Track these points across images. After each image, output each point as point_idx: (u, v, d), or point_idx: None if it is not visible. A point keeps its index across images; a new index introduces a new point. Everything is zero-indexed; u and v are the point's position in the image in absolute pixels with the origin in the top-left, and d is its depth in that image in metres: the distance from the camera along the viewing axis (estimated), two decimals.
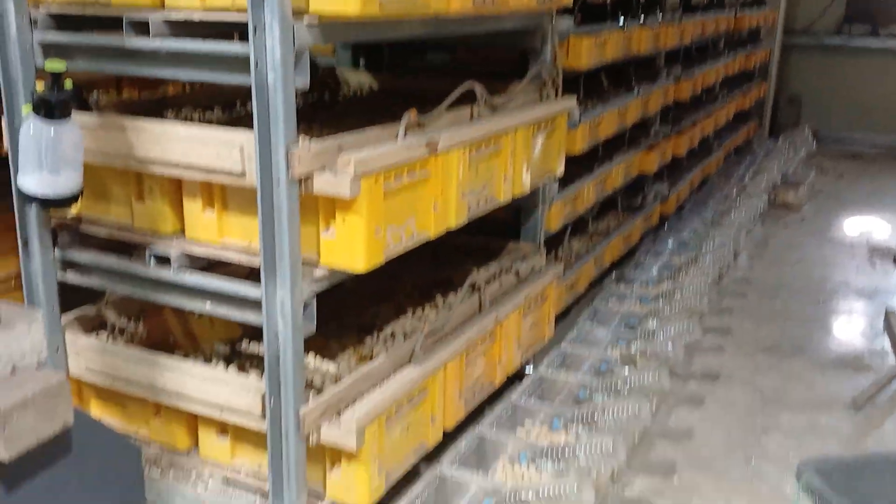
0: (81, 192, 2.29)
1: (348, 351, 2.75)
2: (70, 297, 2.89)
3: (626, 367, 3.30)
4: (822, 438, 3.31)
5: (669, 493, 2.92)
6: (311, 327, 2.21)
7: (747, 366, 3.94)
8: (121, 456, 1.28)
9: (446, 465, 2.62)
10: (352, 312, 3.07)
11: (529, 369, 3.47)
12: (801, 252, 5.67)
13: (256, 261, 2.15)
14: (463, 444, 2.75)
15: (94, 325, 2.80)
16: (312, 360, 2.61)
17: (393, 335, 2.84)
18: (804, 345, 4.20)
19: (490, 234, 3.61)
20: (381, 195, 2.20)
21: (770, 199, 6.43)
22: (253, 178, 2.09)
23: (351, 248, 2.17)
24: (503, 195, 2.90)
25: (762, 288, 4.99)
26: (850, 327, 4.48)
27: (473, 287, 3.06)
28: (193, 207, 2.36)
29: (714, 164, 6.71)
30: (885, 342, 4.24)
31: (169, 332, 2.93)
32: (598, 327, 3.84)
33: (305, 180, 2.10)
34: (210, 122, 2.87)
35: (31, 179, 2.19)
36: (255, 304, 2.18)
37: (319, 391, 2.38)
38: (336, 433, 2.24)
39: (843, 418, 3.47)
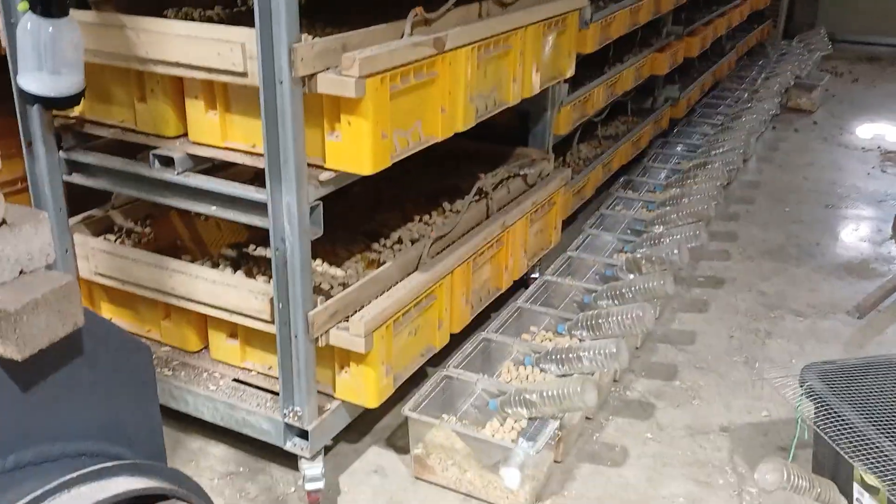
0: (83, 93, 2.26)
1: (356, 257, 2.75)
2: (77, 204, 2.90)
3: (632, 272, 3.30)
4: (824, 343, 3.34)
5: (670, 394, 2.97)
6: (318, 231, 2.21)
7: (752, 271, 3.95)
8: (132, 356, 1.29)
9: (452, 368, 2.65)
10: (359, 219, 3.06)
11: (536, 274, 3.49)
12: (811, 157, 5.61)
13: (261, 163, 2.13)
14: (469, 346, 2.78)
15: (101, 229, 2.80)
16: (320, 265, 2.63)
17: (400, 241, 2.84)
18: (811, 250, 4.20)
19: (497, 140, 3.56)
20: (387, 96, 2.15)
21: (782, 103, 6.32)
22: (255, 78, 2.05)
23: (357, 150, 2.14)
24: (512, 97, 2.84)
25: (771, 193, 4.96)
26: (857, 233, 4.46)
27: (481, 193, 3.04)
28: (196, 108, 2.31)
29: (726, 67, 6.56)
30: (893, 248, 4.24)
31: (176, 236, 2.94)
32: (604, 233, 3.83)
33: (309, 80, 2.05)
34: (211, 19, 2.80)
35: (31, 79, 2.16)
36: (262, 208, 2.17)
37: (329, 295, 2.39)
38: (345, 336, 2.27)
39: (847, 324, 3.49)
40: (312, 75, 2.05)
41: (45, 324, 1.03)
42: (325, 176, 2.19)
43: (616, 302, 3.08)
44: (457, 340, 2.85)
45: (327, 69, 2.07)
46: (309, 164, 2.17)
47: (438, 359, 2.78)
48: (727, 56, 6.54)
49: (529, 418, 2.46)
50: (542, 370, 2.74)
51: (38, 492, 1.01)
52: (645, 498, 2.45)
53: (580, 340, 2.90)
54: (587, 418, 2.79)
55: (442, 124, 2.45)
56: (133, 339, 1.29)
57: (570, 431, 2.60)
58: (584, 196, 4.12)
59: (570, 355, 2.68)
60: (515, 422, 2.48)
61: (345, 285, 2.47)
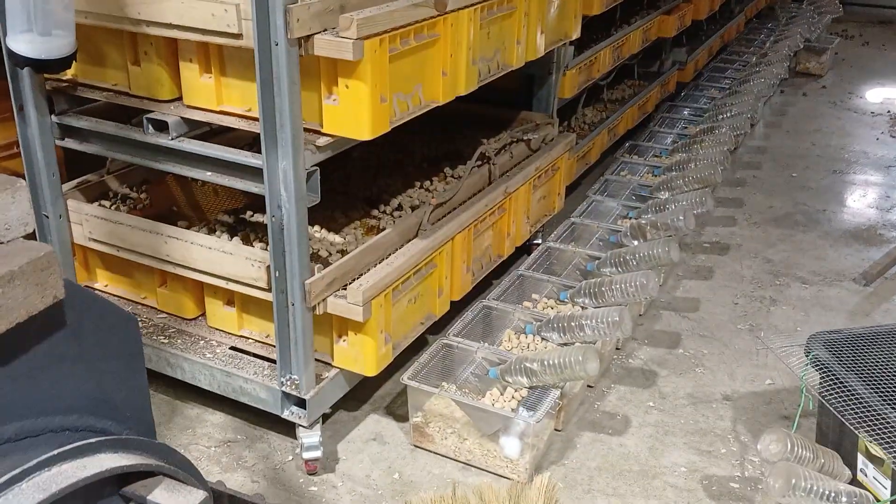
0: (75, 55, 2.20)
1: (355, 223, 2.71)
2: (75, 168, 2.86)
3: (636, 239, 3.25)
4: (830, 311, 3.30)
5: (673, 362, 2.94)
6: (315, 197, 2.16)
7: (758, 237, 3.90)
8: (119, 327, 1.25)
9: (452, 336, 2.62)
10: (360, 184, 3.02)
11: (539, 241, 3.45)
12: (819, 122, 5.53)
13: (257, 127, 2.08)
14: (470, 314, 2.75)
15: (97, 194, 2.76)
16: (319, 232, 2.58)
17: (401, 207, 2.80)
18: (817, 217, 4.14)
19: (502, 103, 3.50)
20: (386, 59, 2.09)
21: (791, 67, 6.21)
22: (250, 40, 1.99)
23: (355, 115, 2.08)
24: (516, 59, 2.78)
25: (777, 158, 4.89)
26: (865, 199, 4.40)
27: (483, 158, 2.99)
28: (190, 71, 2.26)
29: (734, 30, 6.45)
30: None
31: (172, 202, 2.90)
32: (608, 199, 3.78)
33: (306, 42, 1.99)
34: None
35: (21, 41, 2.10)
36: (257, 173, 2.12)
37: (327, 263, 2.36)
38: (343, 304, 2.23)
39: (853, 291, 3.45)
40: (309, 37, 1.99)
41: (22, 296, 0.99)
42: (322, 141, 2.15)
43: (620, 269, 3.04)
44: (457, 308, 2.82)
45: (325, 30, 2.01)
46: (306, 129, 2.12)
47: (439, 326, 2.75)
48: (736, 18, 6.43)
49: (530, 387, 2.44)
50: (543, 338, 2.71)
51: (17, 470, 0.98)
52: (646, 467, 2.43)
53: (583, 308, 2.87)
54: (589, 386, 2.76)
55: (443, 88, 2.40)
56: (119, 310, 1.25)
57: (571, 400, 2.57)
58: (588, 161, 4.06)
59: (572, 323, 2.64)
60: (516, 391, 2.45)
61: (343, 252, 2.43)
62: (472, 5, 2.40)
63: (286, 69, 1.97)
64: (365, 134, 2.11)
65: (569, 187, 3.77)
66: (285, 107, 2.01)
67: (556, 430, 2.55)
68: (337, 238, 2.58)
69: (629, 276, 2.82)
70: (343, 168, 3.09)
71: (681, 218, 3.20)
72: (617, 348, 2.98)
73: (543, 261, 3.20)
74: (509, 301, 2.90)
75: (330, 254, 2.46)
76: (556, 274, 3.16)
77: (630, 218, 3.57)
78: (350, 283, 2.28)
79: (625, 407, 2.70)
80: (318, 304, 2.22)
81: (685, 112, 4.99)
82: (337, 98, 2.09)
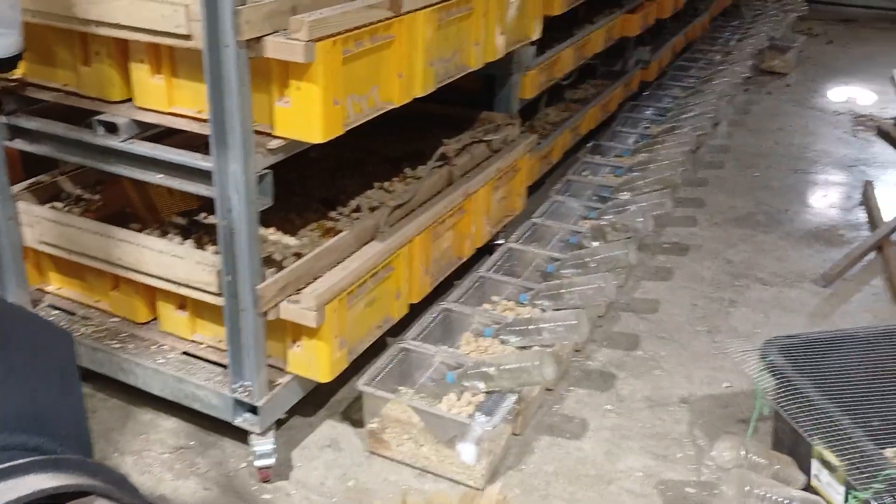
0: (22, 55, 2.14)
1: (312, 225, 2.68)
2: (32, 167, 2.79)
3: (596, 240, 3.25)
4: (789, 313, 3.32)
5: (631, 364, 2.95)
6: (267, 201, 2.13)
7: (719, 238, 3.92)
8: (51, 343, 1.22)
9: (410, 339, 2.60)
10: (317, 185, 2.98)
11: (501, 241, 3.43)
12: (783, 120, 5.57)
13: (208, 129, 2.04)
14: (428, 317, 2.73)
15: (49, 196, 2.70)
16: (273, 234, 2.55)
17: (359, 209, 2.77)
18: (779, 217, 4.17)
19: (464, 103, 3.48)
20: (339, 61, 2.06)
21: (756, 65, 6.25)
22: (199, 41, 1.95)
23: (307, 117, 2.05)
24: (474, 61, 2.76)
25: (740, 157, 4.91)
26: (827, 199, 4.44)
27: (443, 159, 2.97)
28: (141, 72, 2.22)
29: (699, 28, 6.47)
30: (862, 215, 4.23)
31: (127, 203, 2.84)
32: (570, 199, 3.77)
33: (256, 44, 1.96)
34: None
35: None
36: (208, 176, 2.09)
37: (281, 266, 2.33)
38: (295, 310, 2.20)
39: (812, 293, 3.48)
40: (259, 38, 1.96)
41: None
42: (274, 144, 2.11)
43: (579, 271, 3.04)
44: (417, 310, 2.80)
45: (275, 32, 1.98)
46: (258, 132, 2.09)
47: (398, 328, 2.73)
48: (701, 16, 6.45)
49: (487, 392, 2.42)
50: (502, 342, 2.70)
51: None
52: (602, 472, 2.43)
53: (542, 311, 2.86)
54: (547, 389, 2.75)
55: (399, 89, 2.37)
56: (53, 327, 1.22)
57: (529, 404, 2.57)
58: (551, 161, 4.05)
59: (530, 327, 2.64)
60: (473, 395, 2.44)
61: (299, 255, 2.40)
62: (429, 6, 2.38)
63: (235, 71, 1.94)
64: (317, 137, 2.08)
65: (531, 187, 3.76)
66: (235, 109, 1.97)
67: (513, 434, 2.54)
68: (292, 240, 2.54)
69: (587, 279, 2.82)
70: (300, 168, 3.05)
71: (640, 220, 3.21)
72: (576, 350, 2.98)
73: (504, 262, 3.19)
74: (469, 303, 2.88)
75: (285, 257, 2.42)
76: (516, 275, 3.15)
77: (591, 219, 3.57)
78: (304, 288, 2.25)
79: (583, 410, 2.70)
80: (271, 309, 2.19)
81: (648, 111, 5.00)
82: (289, 100, 2.06)
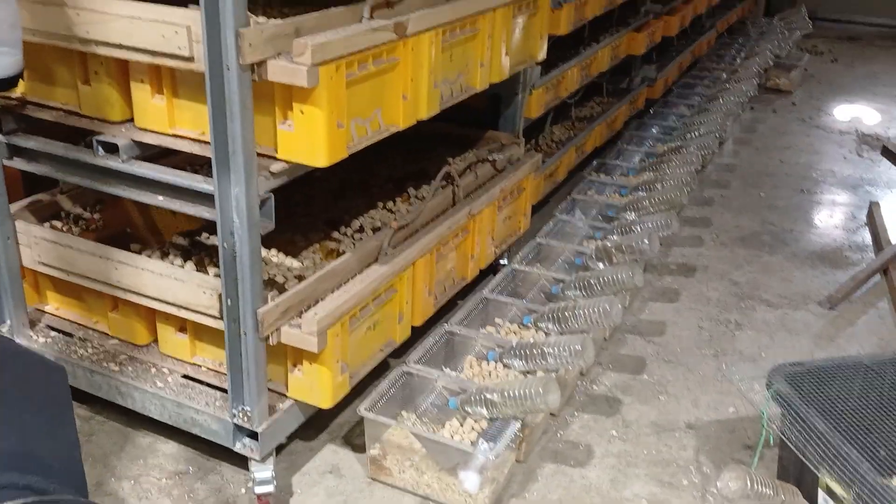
0: (22, 74, 2.12)
1: (315, 247, 2.65)
2: (34, 185, 2.77)
3: (602, 261, 3.22)
4: (795, 335, 3.29)
5: (637, 389, 2.91)
6: (270, 224, 2.10)
7: (725, 258, 3.89)
8: (44, 378, 1.19)
9: (413, 363, 2.57)
10: (320, 205, 2.96)
11: (505, 261, 3.40)
12: (788, 139, 5.55)
13: (209, 151, 2.01)
14: (431, 340, 2.69)
15: (49, 214, 2.68)
16: (276, 256, 2.52)
17: (362, 229, 2.74)
18: (784, 237, 4.14)
19: (469, 122, 3.45)
20: (342, 84, 2.04)
21: (761, 83, 6.24)
22: (201, 63, 1.93)
23: (311, 141, 2.03)
24: (479, 82, 2.74)
25: (746, 176, 4.89)
26: (832, 220, 4.41)
27: (447, 179, 2.94)
28: (142, 93, 2.19)
29: (705, 45, 6.46)
30: (867, 236, 4.20)
31: (127, 222, 2.82)
32: (575, 219, 3.74)
33: (259, 67, 1.93)
34: None
35: None
36: (210, 199, 2.06)
37: (283, 289, 2.30)
38: (297, 334, 2.17)
39: (818, 315, 3.44)
40: (262, 62, 1.93)
41: None
42: (276, 167, 2.08)
43: (584, 293, 3.00)
44: (420, 331, 2.77)
45: (278, 55, 1.95)
46: (260, 154, 2.06)
47: (402, 347, 2.69)
48: (707, 34, 6.44)
49: (490, 418, 2.39)
50: (505, 366, 2.67)
51: None
52: (607, 500, 2.39)
53: (546, 334, 2.83)
54: (552, 415, 2.72)
55: (404, 112, 2.35)
56: (45, 361, 1.19)
57: (533, 430, 2.53)
58: (556, 179, 4.03)
59: (535, 351, 2.60)
60: (476, 422, 2.40)
61: (301, 278, 2.37)
62: (434, 28, 2.36)
63: (238, 94, 1.91)
64: (321, 161, 2.05)
65: (536, 206, 3.73)
66: (237, 133, 1.94)
67: (517, 461, 2.50)
68: (295, 263, 2.52)
69: (593, 302, 2.78)
70: (305, 189, 3.03)
71: (645, 241, 3.17)
72: (581, 374, 2.94)
73: (508, 283, 3.16)
74: (472, 325, 2.85)
75: (287, 279, 2.40)
76: (520, 296, 3.12)
77: (596, 239, 3.54)
78: (306, 312, 2.22)
79: (588, 436, 2.66)
80: (272, 333, 2.16)
81: (654, 129, 4.98)
82: (292, 123, 2.03)
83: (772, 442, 2.24)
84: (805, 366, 2.35)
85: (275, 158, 2.09)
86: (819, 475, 2.08)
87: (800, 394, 2.22)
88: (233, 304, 2.11)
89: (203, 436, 2.29)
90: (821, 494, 2.12)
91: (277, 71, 1.93)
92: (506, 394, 2.34)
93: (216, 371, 2.40)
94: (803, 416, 2.13)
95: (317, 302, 2.28)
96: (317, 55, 1.92)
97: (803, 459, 2.08)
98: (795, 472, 2.23)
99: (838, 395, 2.28)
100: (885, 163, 5.19)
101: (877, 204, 4.44)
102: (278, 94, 2.02)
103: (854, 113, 6.14)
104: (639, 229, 3.40)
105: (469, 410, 2.40)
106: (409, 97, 2.34)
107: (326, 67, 1.96)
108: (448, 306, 3.01)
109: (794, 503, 2.13)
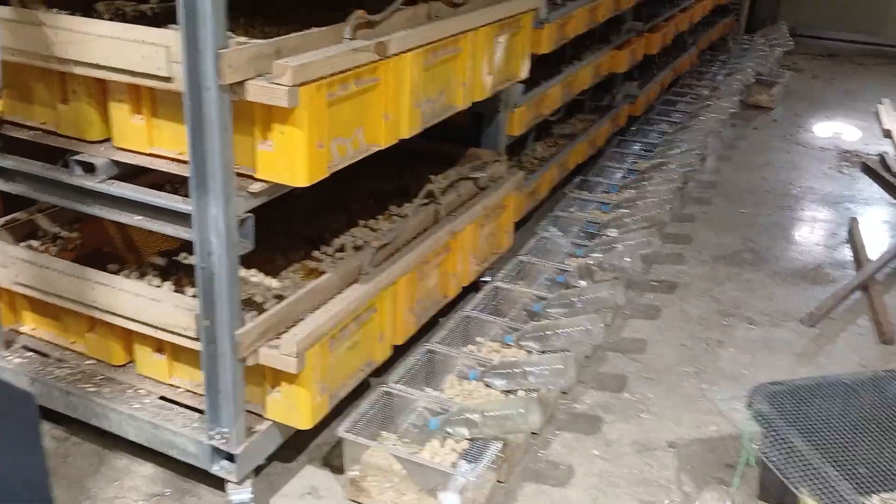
0: (1, 93, 2.11)
1: (295, 266, 2.64)
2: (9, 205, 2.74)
3: (584, 279, 3.22)
4: (776, 353, 3.30)
5: (619, 407, 2.90)
6: (248, 245, 2.09)
7: (706, 276, 3.90)
8: (13, 406, 1.17)
9: (393, 382, 2.56)
10: (301, 223, 2.95)
11: (488, 278, 3.40)
12: (769, 156, 5.58)
13: (188, 171, 2.00)
14: (412, 359, 2.68)
15: (26, 233, 2.65)
16: (255, 275, 2.51)
17: (343, 248, 2.73)
18: (765, 254, 4.16)
19: (452, 139, 3.45)
20: (324, 105, 2.04)
21: (743, 100, 6.29)
22: (180, 84, 1.92)
23: (291, 161, 2.02)
24: (461, 101, 2.74)
25: (727, 193, 4.91)
26: (813, 236, 4.44)
27: (429, 197, 2.94)
28: (120, 112, 2.18)
29: (687, 63, 6.50)
30: (848, 252, 4.22)
31: (105, 241, 2.79)
32: (557, 236, 3.75)
33: (238, 87, 1.92)
34: (144, 14, 2.64)
35: None
36: (188, 219, 2.04)
37: (262, 309, 2.28)
38: (275, 355, 2.16)
39: (799, 333, 3.46)
40: (242, 82, 1.92)
41: None
42: (255, 187, 2.08)
43: (567, 311, 3.00)
44: (402, 349, 2.76)
45: (259, 76, 1.95)
46: (239, 174, 2.06)
47: (382, 367, 2.68)
48: (688, 51, 6.49)
49: (471, 439, 2.37)
50: (487, 385, 2.65)
51: None
52: None
53: (528, 352, 2.82)
54: (533, 433, 2.71)
55: (385, 131, 2.34)
56: (13, 388, 1.17)
57: (514, 450, 2.52)
58: (538, 196, 4.03)
59: (516, 370, 2.60)
60: (457, 442, 2.39)
61: (280, 297, 2.35)
62: (416, 49, 2.36)
63: (217, 115, 1.91)
64: (301, 181, 2.05)
65: (519, 222, 3.73)
66: (216, 153, 1.94)
67: (498, 481, 2.48)
68: (274, 282, 2.50)
69: (574, 321, 2.78)
70: (284, 206, 3.01)
71: (627, 259, 3.18)
72: (563, 393, 2.93)
73: (490, 301, 3.15)
74: (454, 343, 2.84)
75: (266, 299, 2.38)
76: (502, 314, 3.11)
77: (578, 256, 3.54)
78: (284, 332, 2.21)
79: (569, 455, 2.65)
80: (250, 354, 2.14)
81: (636, 146, 5.00)
82: (272, 144, 2.02)
83: (753, 462, 2.24)
84: (785, 385, 2.35)
85: (254, 178, 2.08)
86: (799, 495, 2.08)
87: (780, 413, 2.22)
88: (210, 325, 2.10)
89: (180, 458, 2.27)
90: None
91: (257, 92, 1.92)
92: (487, 414, 2.33)
93: (193, 392, 2.38)
94: (783, 436, 2.13)
95: (296, 322, 2.26)
96: (297, 76, 1.91)
97: (783, 479, 2.08)
98: (776, 493, 2.23)
99: (818, 413, 2.28)
100: (865, 179, 5.24)
101: (856, 220, 4.47)
102: (258, 114, 2.01)
103: (834, 129, 6.19)
104: (621, 247, 3.41)
105: (450, 430, 2.39)
106: (391, 116, 2.34)
107: (307, 88, 1.95)
108: (430, 324, 3.00)
109: None
